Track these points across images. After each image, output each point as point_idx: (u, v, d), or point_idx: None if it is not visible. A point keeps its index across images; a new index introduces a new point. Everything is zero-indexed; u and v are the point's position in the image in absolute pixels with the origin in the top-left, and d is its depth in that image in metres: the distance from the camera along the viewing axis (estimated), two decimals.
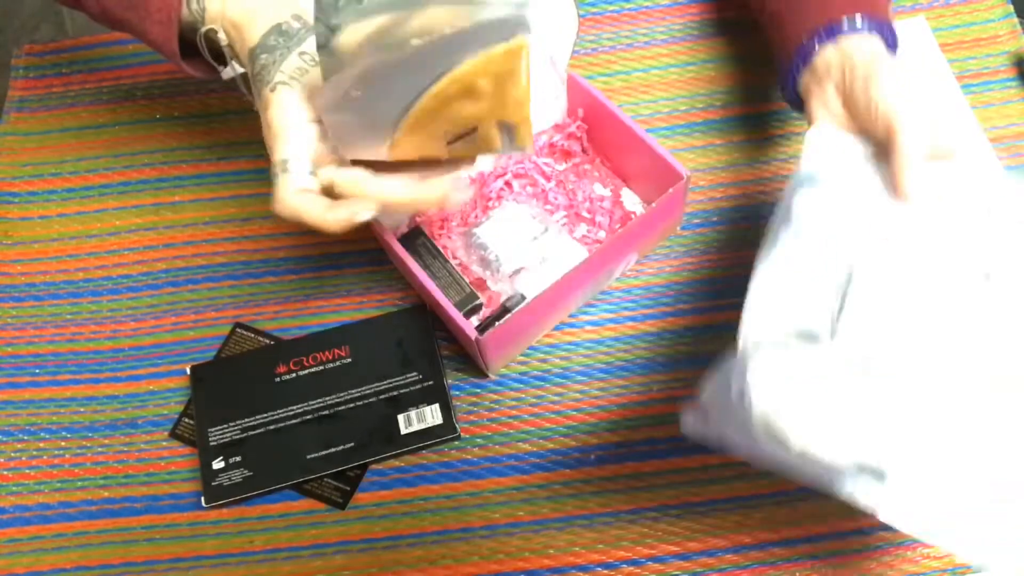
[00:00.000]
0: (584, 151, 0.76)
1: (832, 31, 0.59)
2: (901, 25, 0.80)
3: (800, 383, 0.47)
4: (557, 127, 0.75)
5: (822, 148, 0.58)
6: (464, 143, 0.52)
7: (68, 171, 0.81)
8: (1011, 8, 0.82)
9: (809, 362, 0.48)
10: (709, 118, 0.79)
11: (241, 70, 0.60)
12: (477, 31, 0.47)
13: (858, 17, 0.58)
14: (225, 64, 0.60)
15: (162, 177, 0.81)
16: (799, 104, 0.63)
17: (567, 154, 0.76)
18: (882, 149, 0.55)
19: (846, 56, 0.58)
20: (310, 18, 0.53)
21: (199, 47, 0.60)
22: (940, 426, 0.47)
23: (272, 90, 0.54)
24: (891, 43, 0.60)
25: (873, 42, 0.58)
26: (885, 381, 0.47)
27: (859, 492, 0.46)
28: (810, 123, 0.59)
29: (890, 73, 0.56)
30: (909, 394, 0.47)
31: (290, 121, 0.54)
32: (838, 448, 0.46)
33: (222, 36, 0.58)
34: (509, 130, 0.51)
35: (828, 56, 0.59)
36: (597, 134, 0.74)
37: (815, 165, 0.57)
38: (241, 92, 0.62)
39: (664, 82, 0.81)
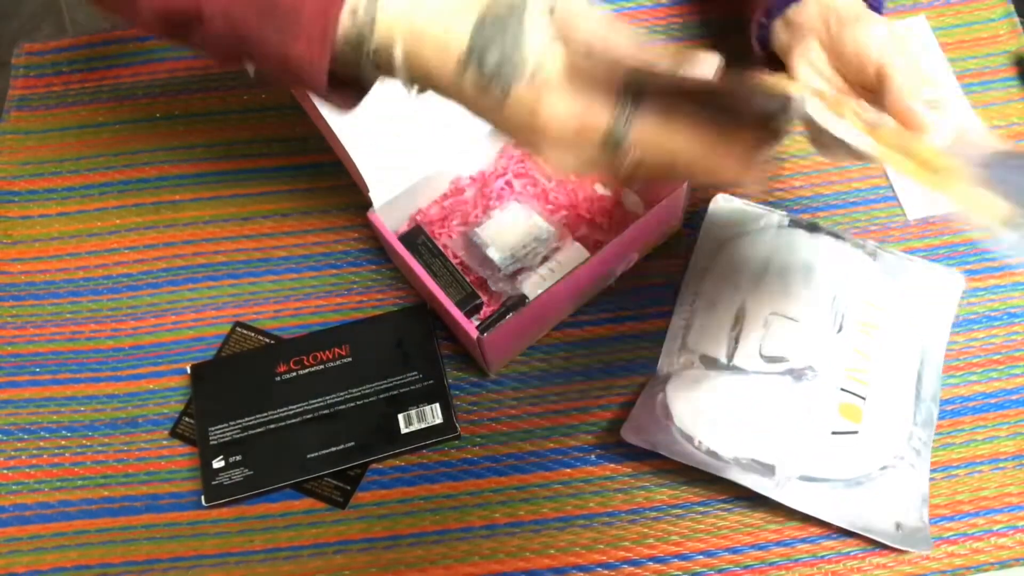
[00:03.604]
0: None
1: None
2: (901, 25, 0.81)
3: (703, 397, 0.63)
4: None
5: (734, 206, 0.74)
6: None
7: (68, 170, 0.81)
8: (1011, 7, 0.82)
9: (710, 379, 0.65)
10: None
11: (416, 89, 0.47)
12: None
13: None
14: (362, 92, 0.50)
15: (162, 176, 0.80)
16: (769, 62, 0.63)
17: None
18: (874, 97, 0.54)
19: (828, 7, 0.58)
20: None
21: (354, 67, 0.47)
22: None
23: (535, 80, 0.43)
24: (873, 3, 0.60)
25: None
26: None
27: (748, 482, 0.61)
28: (792, 77, 0.58)
29: (875, 18, 0.56)
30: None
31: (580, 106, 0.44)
32: (730, 447, 0.61)
33: (398, 52, 0.45)
34: None
35: (809, 10, 0.59)
36: None
37: (736, 221, 0.73)
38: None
39: None
